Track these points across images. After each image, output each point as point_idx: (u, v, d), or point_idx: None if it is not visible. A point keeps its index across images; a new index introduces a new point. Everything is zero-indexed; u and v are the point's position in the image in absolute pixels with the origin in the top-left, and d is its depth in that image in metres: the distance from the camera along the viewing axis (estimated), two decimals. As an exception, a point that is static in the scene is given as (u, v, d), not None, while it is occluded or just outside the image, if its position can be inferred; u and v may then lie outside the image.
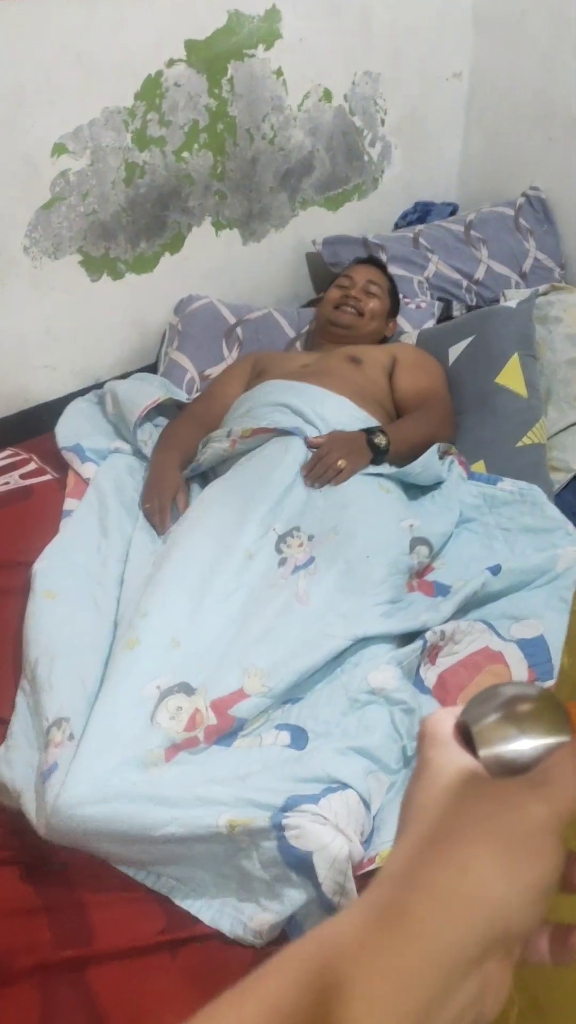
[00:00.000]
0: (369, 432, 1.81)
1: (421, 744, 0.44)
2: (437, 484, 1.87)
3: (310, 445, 1.79)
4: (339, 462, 1.73)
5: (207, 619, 1.47)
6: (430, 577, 1.71)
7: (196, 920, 1.17)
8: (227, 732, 1.34)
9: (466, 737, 0.43)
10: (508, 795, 0.39)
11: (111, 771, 1.22)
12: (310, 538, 1.62)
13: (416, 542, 1.67)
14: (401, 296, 2.34)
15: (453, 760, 0.42)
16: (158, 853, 1.19)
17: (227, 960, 1.13)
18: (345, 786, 1.21)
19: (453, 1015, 0.35)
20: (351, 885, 1.08)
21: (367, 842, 1.19)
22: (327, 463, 1.73)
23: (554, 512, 1.77)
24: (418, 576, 1.69)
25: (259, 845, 1.13)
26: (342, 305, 2.18)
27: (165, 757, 1.28)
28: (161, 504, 1.78)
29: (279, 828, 1.11)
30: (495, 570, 1.62)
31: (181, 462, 1.89)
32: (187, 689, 1.35)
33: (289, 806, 1.16)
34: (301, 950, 0.37)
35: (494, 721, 0.42)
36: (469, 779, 0.40)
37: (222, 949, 1.15)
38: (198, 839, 1.16)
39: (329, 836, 1.09)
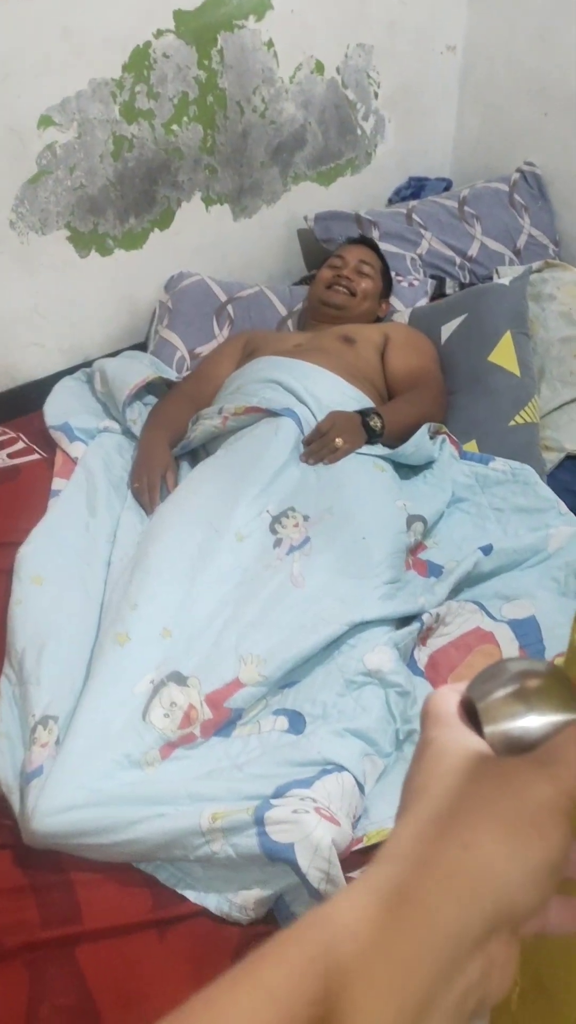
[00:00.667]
0: (364, 414, 1.80)
1: (424, 722, 0.43)
2: (429, 464, 1.86)
3: (316, 429, 1.78)
4: (337, 440, 1.72)
5: (198, 605, 1.46)
6: (423, 555, 1.70)
7: (183, 898, 1.16)
8: (224, 723, 1.33)
9: (471, 714, 0.42)
10: (513, 774, 0.38)
11: (102, 773, 1.21)
12: (305, 518, 1.61)
13: (412, 519, 1.66)
14: (394, 274, 2.32)
15: (457, 739, 0.41)
16: (143, 851, 1.18)
17: (215, 940, 1.13)
18: (341, 768, 1.20)
19: (457, 996, 0.35)
20: (336, 871, 1.07)
21: (356, 823, 1.19)
22: (326, 441, 1.71)
23: (546, 492, 1.76)
24: (412, 553, 1.68)
25: (236, 841, 1.11)
26: (334, 285, 2.16)
27: (161, 755, 1.27)
28: (150, 482, 1.76)
29: (260, 823, 1.10)
30: (487, 550, 1.62)
31: (171, 440, 1.87)
32: (179, 679, 1.33)
33: (279, 792, 1.15)
34: (298, 933, 0.36)
35: (501, 697, 0.41)
36: (473, 758, 0.39)
37: (210, 929, 1.15)
38: (179, 840, 1.14)
39: (311, 825, 1.09)
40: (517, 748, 0.39)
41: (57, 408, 1.99)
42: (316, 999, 0.33)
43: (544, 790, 0.37)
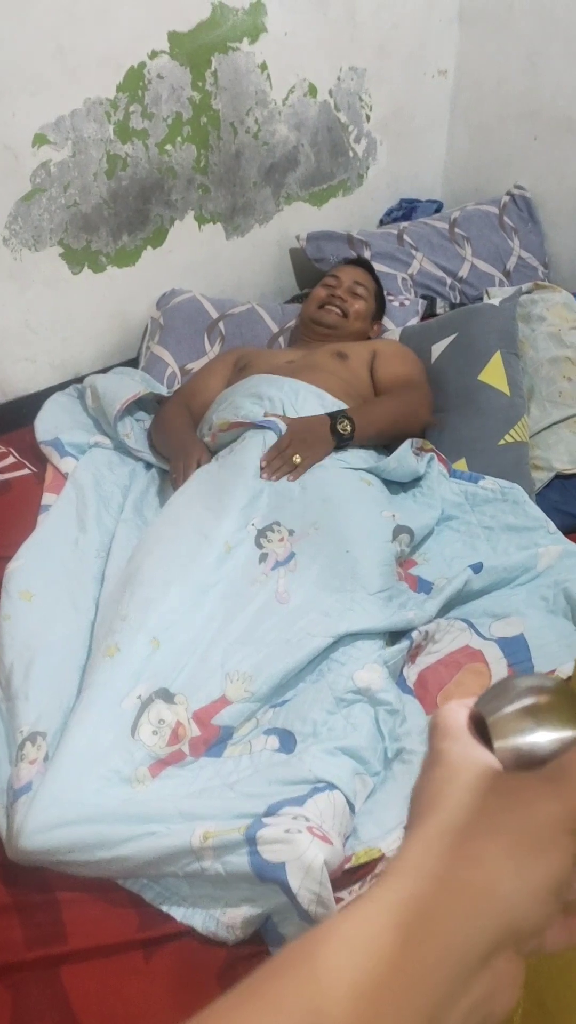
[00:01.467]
0: (333, 417, 1.80)
1: (433, 735, 0.43)
2: (416, 481, 1.86)
3: (272, 451, 1.78)
4: (295, 457, 1.71)
5: (186, 614, 1.45)
6: (413, 571, 1.70)
7: (169, 918, 1.15)
8: (214, 742, 1.32)
9: (480, 729, 0.42)
10: (521, 790, 0.38)
11: (91, 790, 1.20)
12: (291, 533, 1.60)
13: (398, 530, 1.66)
14: (385, 293, 2.33)
15: (467, 753, 0.40)
16: (132, 868, 1.17)
17: (202, 962, 1.12)
18: (332, 786, 1.20)
19: (462, 1014, 0.34)
20: (327, 893, 1.06)
21: (345, 843, 1.18)
22: (283, 458, 1.71)
23: (535, 511, 1.77)
24: (402, 567, 1.68)
25: (227, 860, 1.10)
26: (327, 304, 2.17)
27: (151, 774, 1.26)
28: (187, 466, 1.78)
29: (252, 843, 1.09)
30: (477, 568, 1.62)
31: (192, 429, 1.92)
32: (166, 696, 1.33)
33: (272, 811, 1.14)
34: (301, 952, 0.35)
35: (510, 713, 0.41)
36: (483, 773, 0.39)
37: (197, 951, 1.13)
38: (169, 858, 1.13)
39: (303, 845, 1.08)
40: (527, 764, 0.39)
41: (48, 423, 1.99)
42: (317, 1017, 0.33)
43: (551, 807, 0.37)
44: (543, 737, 0.40)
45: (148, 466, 1.94)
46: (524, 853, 0.36)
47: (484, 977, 0.35)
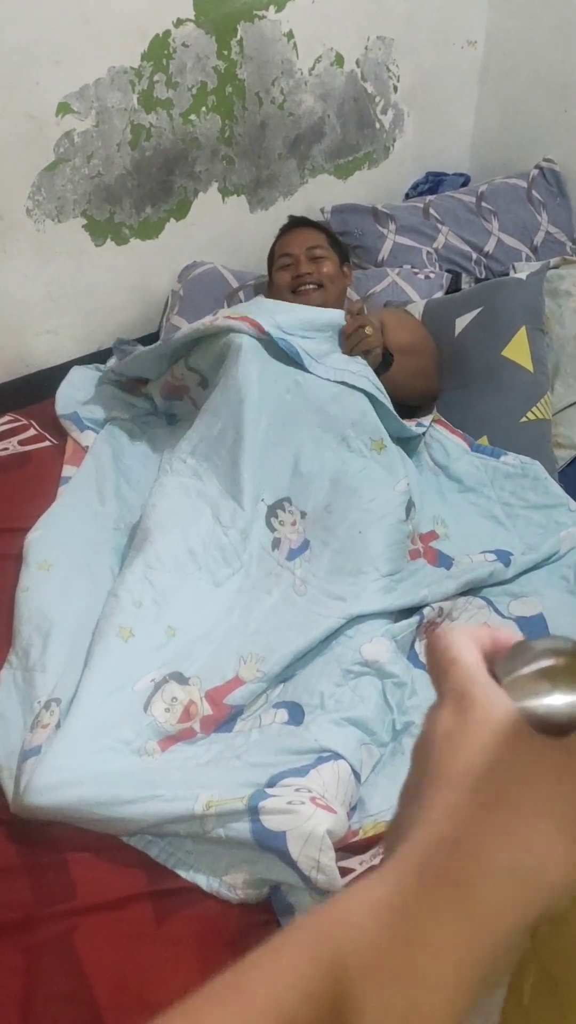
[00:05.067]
0: None
1: (449, 668, 0.39)
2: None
3: (348, 309, 1.81)
4: (368, 328, 1.75)
5: (203, 607, 1.46)
6: (434, 544, 1.69)
7: (176, 875, 1.16)
8: (224, 720, 1.33)
9: None
10: (566, 760, 0.35)
11: (99, 755, 1.21)
12: (303, 515, 1.59)
13: (410, 505, 1.65)
14: (409, 267, 2.31)
15: (498, 704, 0.37)
16: (134, 829, 1.18)
17: (213, 929, 1.13)
18: (338, 756, 1.20)
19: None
20: (328, 860, 1.06)
21: (352, 813, 1.19)
22: (364, 321, 1.75)
23: (555, 488, 1.75)
24: (422, 541, 1.67)
25: (229, 828, 1.11)
26: (300, 287, 2.03)
27: (160, 748, 1.27)
28: None
29: (254, 811, 1.10)
30: (505, 559, 1.60)
31: None
32: (180, 679, 1.34)
33: (274, 781, 1.15)
34: (309, 932, 0.32)
35: (526, 675, 0.38)
36: (524, 736, 0.35)
37: (208, 917, 1.14)
38: (173, 822, 1.14)
39: (305, 815, 1.08)
40: (542, 727, 0.37)
41: (68, 397, 1.99)
42: (321, 992, 0.31)
43: None
44: (559, 700, 0.37)
45: (169, 435, 1.93)
46: (570, 839, 0.33)
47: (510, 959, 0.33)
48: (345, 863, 1.15)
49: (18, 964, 1.10)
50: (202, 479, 1.64)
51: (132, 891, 1.15)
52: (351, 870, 1.16)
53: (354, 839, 1.17)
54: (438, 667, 0.40)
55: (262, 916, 1.13)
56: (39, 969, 1.09)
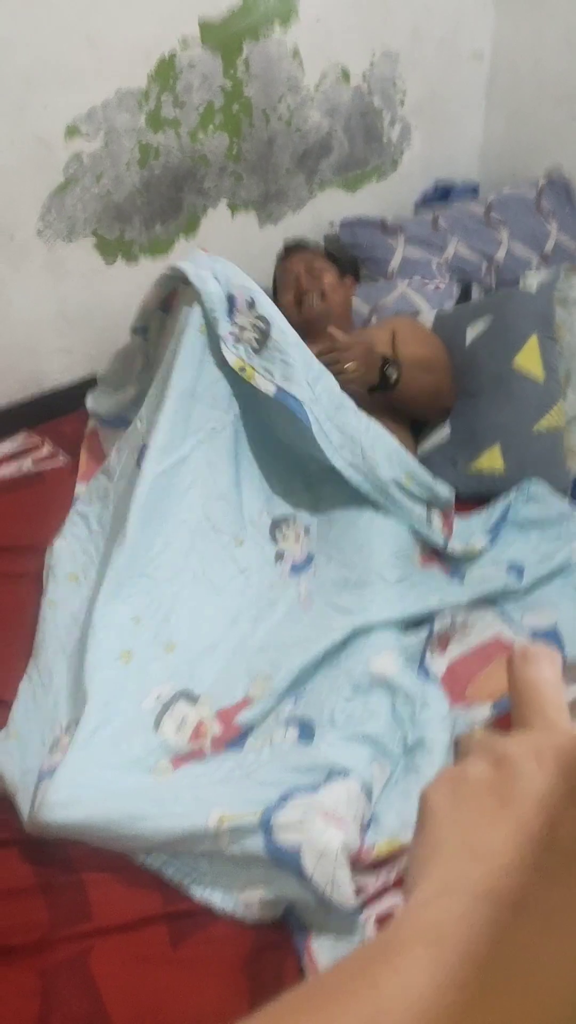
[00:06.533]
0: (385, 359, 1.78)
1: (543, 703, 0.33)
2: None
3: (331, 336, 1.72)
4: (349, 364, 1.66)
5: (203, 619, 1.46)
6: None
7: (192, 898, 1.16)
8: (235, 739, 1.33)
9: None
10: None
11: (111, 773, 1.22)
12: (306, 531, 1.59)
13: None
14: (419, 277, 2.31)
15: None
16: (148, 847, 1.18)
17: (229, 951, 1.13)
18: (347, 773, 1.19)
19: None
20: (343, 874, 1.06)
21: (365, 830, 1.18)
22: (339, 358, 1.67)
23: (559, 503, 1.75)
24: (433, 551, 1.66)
25: (243, 844, 1.11)
26: (302, 300, 2.09)
27: (172, 766, 1.27)
28: None
29: (267, 827, 1.10)
30: (519, 572, 1.59)
31: None
32: (190, 697, 1.34)
33: (285, 798, 1.14)
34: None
35: None
36: None
37: (223, 940, 1.14)
38: (186, 840, 1.14)
39: (318, 830, 1.08)
40: None
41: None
42: None
43: None
44: None
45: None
46: None
47: None
48: (358, 881, 1.14)
49: (34, 986, 1.10)
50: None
51: (147, 913, 1.15)
52: (363, 887, 1.15)
53: (368, 858, 1.16)
54: (531, 701, 0.34)
55: (277, 939, 1.13)
56: (55, 991, 1.09)
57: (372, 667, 1.35)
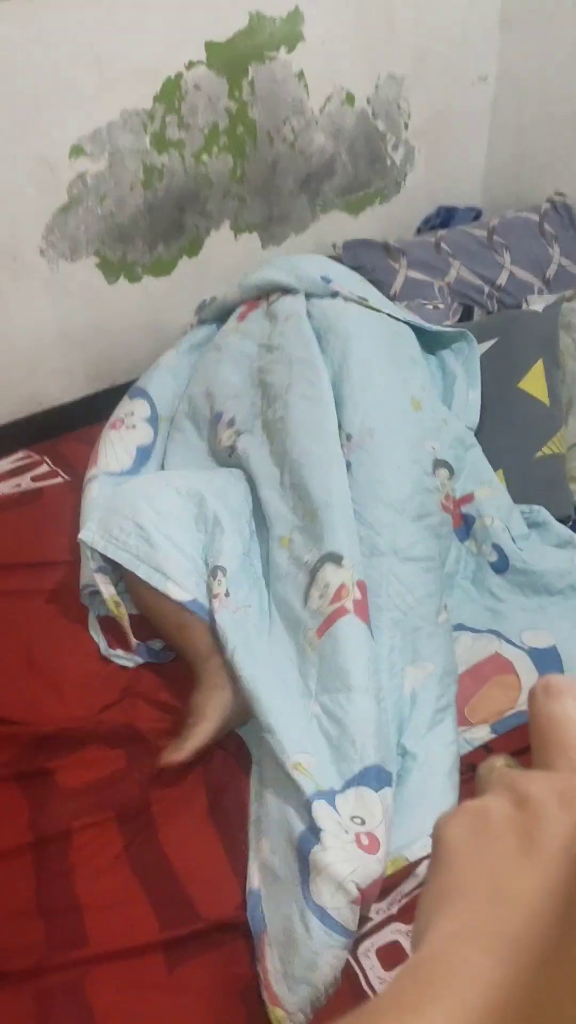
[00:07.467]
0: None
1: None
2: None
3: None
4: None
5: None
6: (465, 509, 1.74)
7: (190, 919, 1.15)
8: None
9: None
10: None
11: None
12: (348, 437, 1.63)
13: (437, 464, 1.67)
14: (420, 299, 2.31)
15: None
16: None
17: (225, 977, 1.11)
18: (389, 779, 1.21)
19: None
20: (348, 911, 1.07)
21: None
22: None
23: (562, 530, 1.74)
24: (457, 503, 1.72)
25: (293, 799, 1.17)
26: None
27: (318, 634, 1.33)
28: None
29: (304, 857, 1.11)
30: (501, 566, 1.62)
31: None
32: (336, 559, 1.40)
33: (348, 785, 1.17)
34: None
35: None
36: None
37: (220, 965, 1.12)
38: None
39: (346, 857, 1.08)
40: None
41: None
42: None
43: None
44: None
45: None
46: None
47: None
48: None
49: (29, 1011, 1.09)
50: None
51: (144, 939, 1.14)
52: (367, 918, 1.13)
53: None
54: (555, 739, 0.33)
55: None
56: (50, 1016, 1.08)
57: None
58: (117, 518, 1.48)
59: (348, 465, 1.57)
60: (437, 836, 0.31)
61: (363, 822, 1.13)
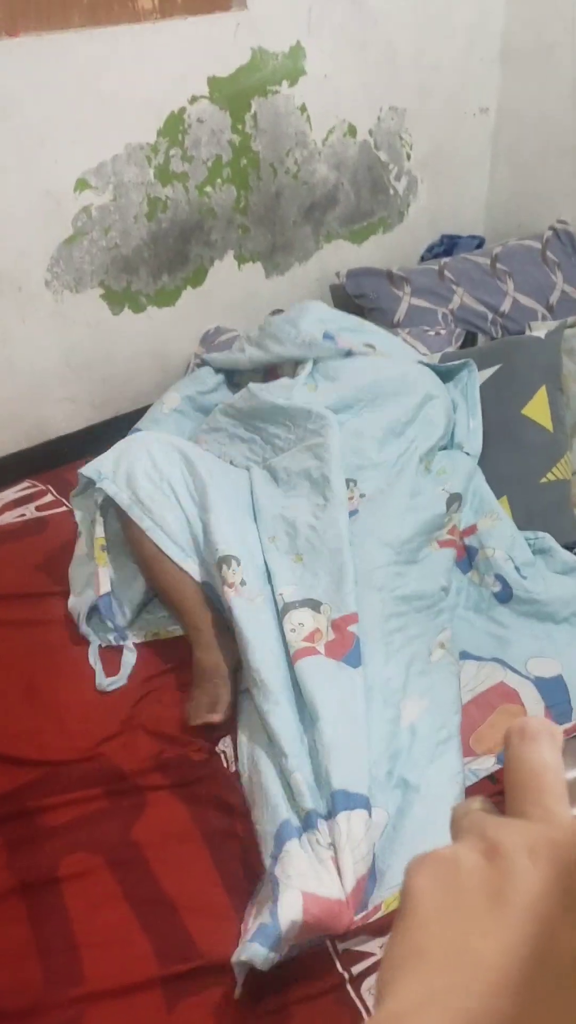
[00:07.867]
0: None
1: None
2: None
3: None
4: None
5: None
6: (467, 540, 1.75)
7: (188, 956, 1.12)
8: (349, 650, 1.37)
9: None
10: None
11: None
12: (362, 496, 1.67)
13: (451, 500, 1.72)
14: (423, 326, 2.32)
15: None
16: None
17: (225, 1018, 1.09)
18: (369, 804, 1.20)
19: None
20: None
21: (369, 883, 1.14)
22: None
23: (567, 556, 1.73)
24: (461, 535, 1.74)
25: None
26: None
27: (293, 660, 1.36)
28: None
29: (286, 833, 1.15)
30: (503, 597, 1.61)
31: None
32: (313, 605, 1.43)
33: (335, 810, 1.16)
34: None
35: None
36: None
37: (219, 1004, 1.10)
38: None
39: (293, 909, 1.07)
40: None
41: None
42: None
43: None
44: None
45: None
46: None
47: None
48: (364, 947, 1.10)
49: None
50: None
51: (142, 977, 1.11)
52: (370, 954, 1.11)
53: (375, 916, 1.12)
54: (528, 787, 0.31)
55: (273, 1004, 1.09)
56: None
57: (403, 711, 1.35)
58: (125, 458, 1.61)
59: (355, 511, 1.63)
60: (406, 886, 0.30)
61: (332, 847, 1.14)
